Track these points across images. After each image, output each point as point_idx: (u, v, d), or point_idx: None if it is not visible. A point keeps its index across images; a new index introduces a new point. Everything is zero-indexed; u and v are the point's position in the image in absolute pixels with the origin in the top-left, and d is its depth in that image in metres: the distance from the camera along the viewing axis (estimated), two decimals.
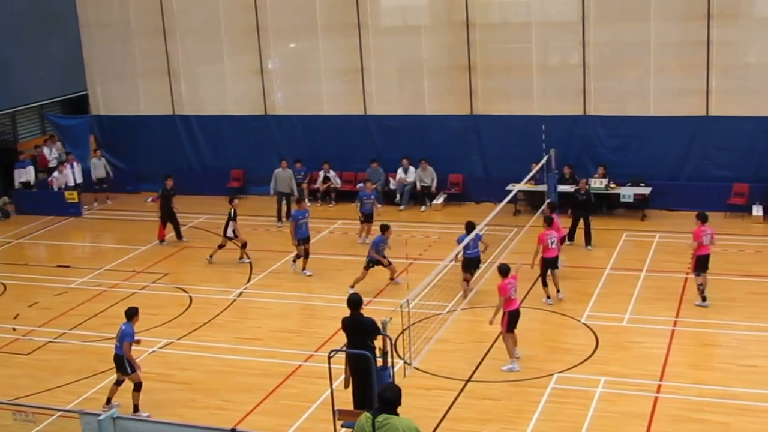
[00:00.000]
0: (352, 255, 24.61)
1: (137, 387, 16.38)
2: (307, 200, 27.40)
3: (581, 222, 24.54)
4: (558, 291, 20.94)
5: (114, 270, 24.90)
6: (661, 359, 17.64)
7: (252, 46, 31.39)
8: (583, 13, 27.62)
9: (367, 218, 25.95)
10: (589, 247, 24.40)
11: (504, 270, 17.54)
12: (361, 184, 30.02)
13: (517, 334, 19.09)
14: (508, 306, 17.24)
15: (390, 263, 22.33)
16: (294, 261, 23.79)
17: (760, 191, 26.54)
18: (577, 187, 25.08)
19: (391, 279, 22.46)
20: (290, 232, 23.54)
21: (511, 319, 17.28)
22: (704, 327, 19.18)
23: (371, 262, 22.19)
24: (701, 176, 27.56)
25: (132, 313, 16.54)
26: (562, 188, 26.50)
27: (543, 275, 20.83)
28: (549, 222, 21.17)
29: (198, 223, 28.91)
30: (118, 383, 16.62)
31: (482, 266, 21.57)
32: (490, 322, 17.50)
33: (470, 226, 20.96)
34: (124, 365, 16.34)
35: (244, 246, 24.89)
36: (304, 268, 23.52)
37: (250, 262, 24.55)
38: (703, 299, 20.10)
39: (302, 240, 23.44)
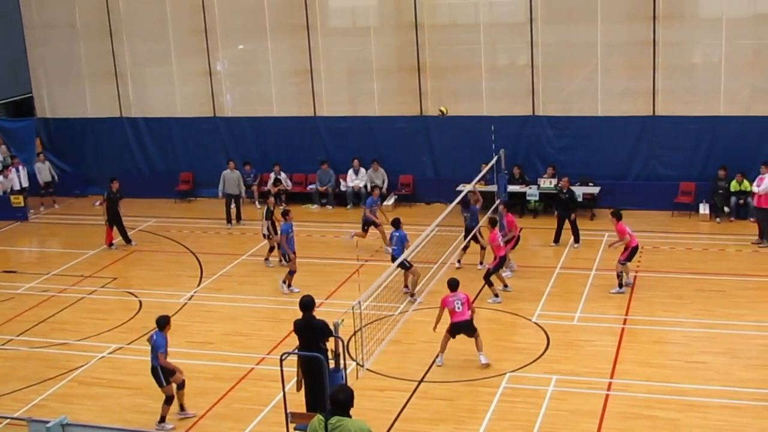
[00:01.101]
0: (304, 257, 24.51)
1: (168, 400, 16.03)
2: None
3: (566, 221, 24.86)
4: (506, 285, 21.21)
5: (61, 275, 24.59)
6: (611, 357, 17.79)
7: (200, 48, 31.19)
8: (531, 14, 27.79)
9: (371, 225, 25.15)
10: (576, 245, 24.53)
11: (452, 284, 17.69)
12: (312, 186, 30.07)
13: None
14: (453, 317, 17.44)
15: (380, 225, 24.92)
16: (285, 281, 22.25)
17: (707, 190, 26.86)
18: (560, 186, 25.34)
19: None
20: (281, 247, 22.48)
21: (453, 329, 17.46)
22: (653, 324, 19.38)
23: (365, 224, 24.72)
24: (648, 175, 27.87)
25: (164, 323, 16.13)
26: (512, 188, 26.67)
27: (492, 273, 21.01)
28: (493, 223, 21.42)
29: (147, 226, 28.65)
30: (180, 387, 16.23)
31: (434, 267, 21.73)
32: (434, 329, 17.64)
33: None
34: (157, 376, 15.94)
35: (276, 247, 23.88)
36: (289, 285, 22.18)
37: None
38: (620, 285, 20.98)
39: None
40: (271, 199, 24.70)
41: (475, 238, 23.25)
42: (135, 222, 28.21)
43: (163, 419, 15.98)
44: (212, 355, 18.87)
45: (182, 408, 16.29)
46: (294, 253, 22.11)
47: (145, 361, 18.48)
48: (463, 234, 23.37)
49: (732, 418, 15.32)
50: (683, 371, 17.05)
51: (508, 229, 22.45)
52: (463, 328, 17.45)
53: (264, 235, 24.20)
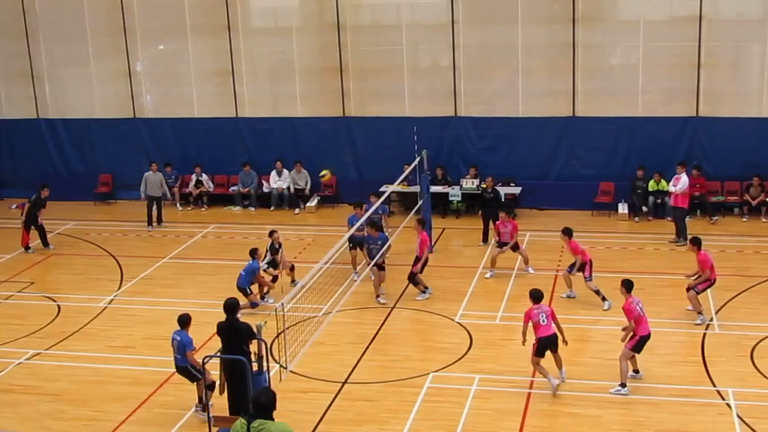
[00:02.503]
0: (225, 259, 24.35)
1: (211, 387, 15.68)
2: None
3: (491, 221, 24.91)
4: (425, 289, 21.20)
5: None
6: None
7: (119, 48, 30.75)
8: (453, 15, 27.98)
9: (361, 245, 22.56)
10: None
11: (536, 295, 16.65)
12: (234, 187, 29.86)
13: (393, 334, 19.28)
14: (538, 332, 16.38)
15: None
16: (265, 297, 21.36)
17: (625, 189, 27.32)
18: (484, 186, 25.47)
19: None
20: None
21: (540, 346, 16.38)
22: (573, 323, 19.56)
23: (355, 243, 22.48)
24: (569, 175, 28.24)
25: (187, 321, 15.91)
26: (434, 189, 26.77)
27: (416, 274, 21.06)
28: (422, 224, 21.51)
29: (65, 229, 28.19)
30: (210, 387, 15.75)
31: (358, 267, 21.73)
32: (523, 343, 16.68)
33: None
34: (191, 374, 15.74)
35: (289, 270, 22.21)
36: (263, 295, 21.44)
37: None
38: (604, 299, 20.38)
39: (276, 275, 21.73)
40: (276, 236, 22.35)
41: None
42: (53, 225, 27.69)
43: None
44: (133, 360, 18.64)
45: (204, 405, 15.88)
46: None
47: (65, 367, 18.34)
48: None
49: (651, 414, 15.58)
50: (603, 368, 17.25)
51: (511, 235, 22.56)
52: (551, 343, 16.35)
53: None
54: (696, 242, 19.42)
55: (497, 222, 22.94)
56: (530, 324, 16.46)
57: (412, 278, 21.08)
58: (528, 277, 22.15)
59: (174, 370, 16.20)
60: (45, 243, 26.27)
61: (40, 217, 25.98)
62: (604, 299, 20.35)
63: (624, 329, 16.54)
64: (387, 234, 22.34)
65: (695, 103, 26.93)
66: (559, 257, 22.57)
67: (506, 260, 23.49)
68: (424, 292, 20.95)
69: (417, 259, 21.12)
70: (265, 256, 21.94)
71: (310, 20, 29.86)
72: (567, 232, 20.73)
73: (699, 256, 19.26)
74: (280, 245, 22.26)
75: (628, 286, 16.61)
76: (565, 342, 16.60)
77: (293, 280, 21.96)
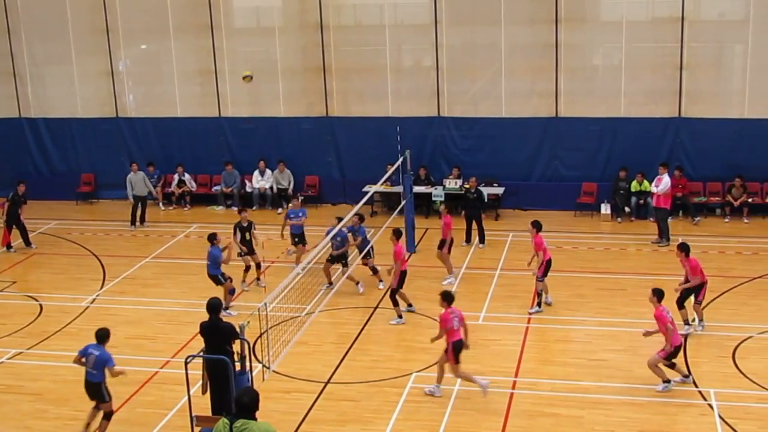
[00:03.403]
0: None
1: (109, 416, 15.28)
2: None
3: (473, 221, 24.99)
4: (410, 304, 20.56)
5: None
6: (515, 356, 17.98)
7: (101, 47, 30.64)
8: (436, 15, 28.00)
9: (301, 239, 23.20)
10: (482, 245, 24.70)
11: (448, 297, 16.22)
12: (217, 187, 29.80)
13: (375, 335, 19.28)
14: (451, 337, 15.98)
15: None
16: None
17: (608, 190, 27.39)
18: (467, 186, 25.47)
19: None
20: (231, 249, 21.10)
21: (456, 350, 15.96)
22: (556, 323, 19.65)
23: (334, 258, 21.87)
24: (551, 176, 28.31)
25: (106, 336, 15.42)
26: (417, 189, 26.77)
27: (396, 291, 20.21)
28: (398, 235, 20.57)
29: (47, 229, 28.07)
30: (107, 417, 15.39)
31: (339, 269, 21.68)
32: (432, 341, 16.49)
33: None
34: (101, 392, 15.25)
35: (258, 266, 22.21)
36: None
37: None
38: (539, 304, 20.14)
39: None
40: (244, 214, 22.27)
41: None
42: (35, 224, 27.57)
43: None
44: (115, 359, 18.45)
45: None
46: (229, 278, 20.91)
47: (47, 366, 18.24)
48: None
49: (633, 414, 15.62)
50: (586, 369, 17.31)
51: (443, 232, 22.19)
52: (461, 348, 15.98)
53: (239, 255, 21.91)
54: (684, 249, 18.74)
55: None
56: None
57: (392, 296, 20.03)
58: (511, 278, 22.17)
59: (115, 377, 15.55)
60: (27, 242, 26.15)
61: (21, 214, 25.84)
62: (539, 304, 20.11)
63: (646, 333, 16.73)
64: (345, 231, 21.73)
65: (677, 103, 27.02)
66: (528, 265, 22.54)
67: (488, 261, 23.56)
68: (400, 317, 20.01)
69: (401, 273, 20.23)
70: (235, 234, 21.87)
71: (292, 20, 29.81)
72: (536, 225, 20.14)
73: (690, 263, 18.65)
74: (249, 223, 22.02)
75: (659, 295, 16.45)
76: (466, 346, 16.18)
77: (258, 278, 21.96)
